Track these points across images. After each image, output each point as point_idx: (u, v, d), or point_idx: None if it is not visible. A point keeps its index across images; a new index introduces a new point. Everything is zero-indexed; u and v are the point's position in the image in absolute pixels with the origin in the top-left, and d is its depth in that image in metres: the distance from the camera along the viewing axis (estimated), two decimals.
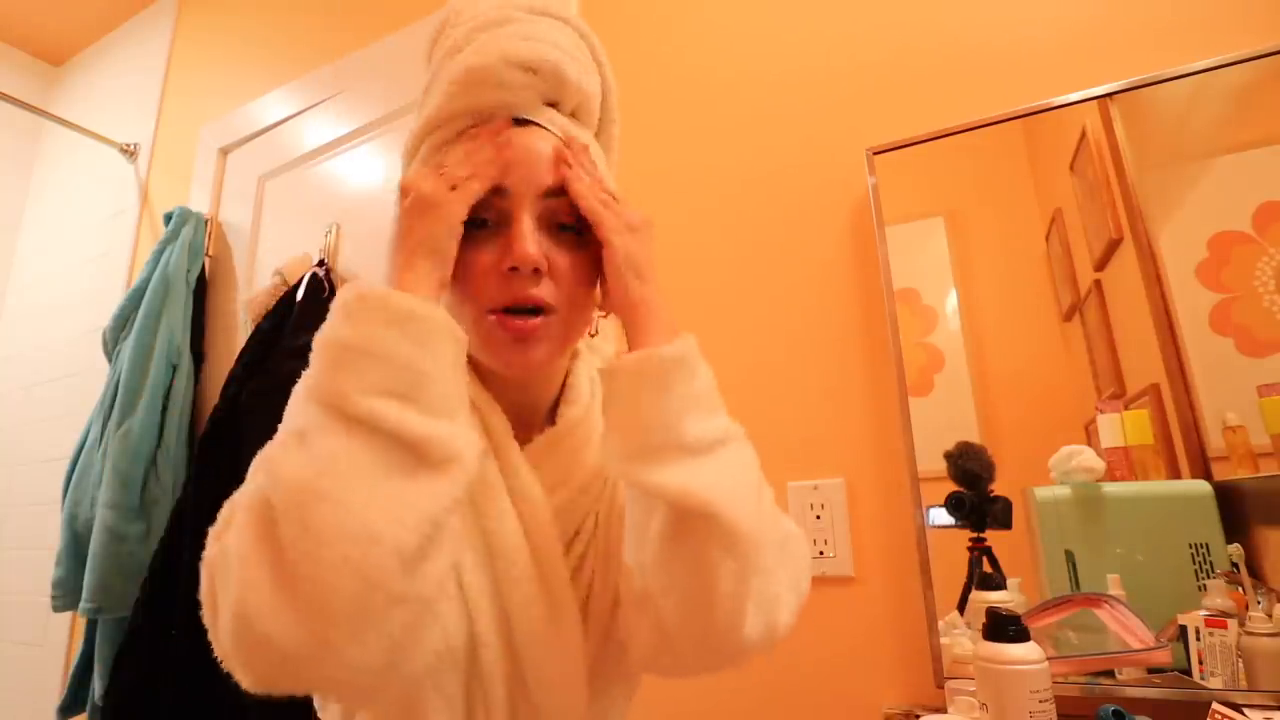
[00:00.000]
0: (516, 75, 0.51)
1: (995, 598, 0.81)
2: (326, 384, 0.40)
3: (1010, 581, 0.86)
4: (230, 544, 0.38)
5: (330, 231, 1.56)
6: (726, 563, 0.42)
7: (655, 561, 0.44)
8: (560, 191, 0.51)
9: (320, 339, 0.42)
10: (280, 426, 0.42)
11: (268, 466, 0.39)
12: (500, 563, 0.49)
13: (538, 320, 0.49)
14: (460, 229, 0.47)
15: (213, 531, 0.42)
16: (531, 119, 0.52)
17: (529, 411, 0.56)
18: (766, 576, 0.44)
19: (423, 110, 0.56)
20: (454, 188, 0.47)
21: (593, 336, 0.59)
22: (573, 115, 0.56)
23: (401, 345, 0.41)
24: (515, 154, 0.50)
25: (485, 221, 0.50)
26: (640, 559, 0.46)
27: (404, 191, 0.48)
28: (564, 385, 0.58)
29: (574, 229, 0.52)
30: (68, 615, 1.75)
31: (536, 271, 0.49)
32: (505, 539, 0.50)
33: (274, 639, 0.35)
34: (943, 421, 0.93)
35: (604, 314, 0.56)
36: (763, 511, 0.45)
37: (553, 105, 0.54)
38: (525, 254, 0.48)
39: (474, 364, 0.53)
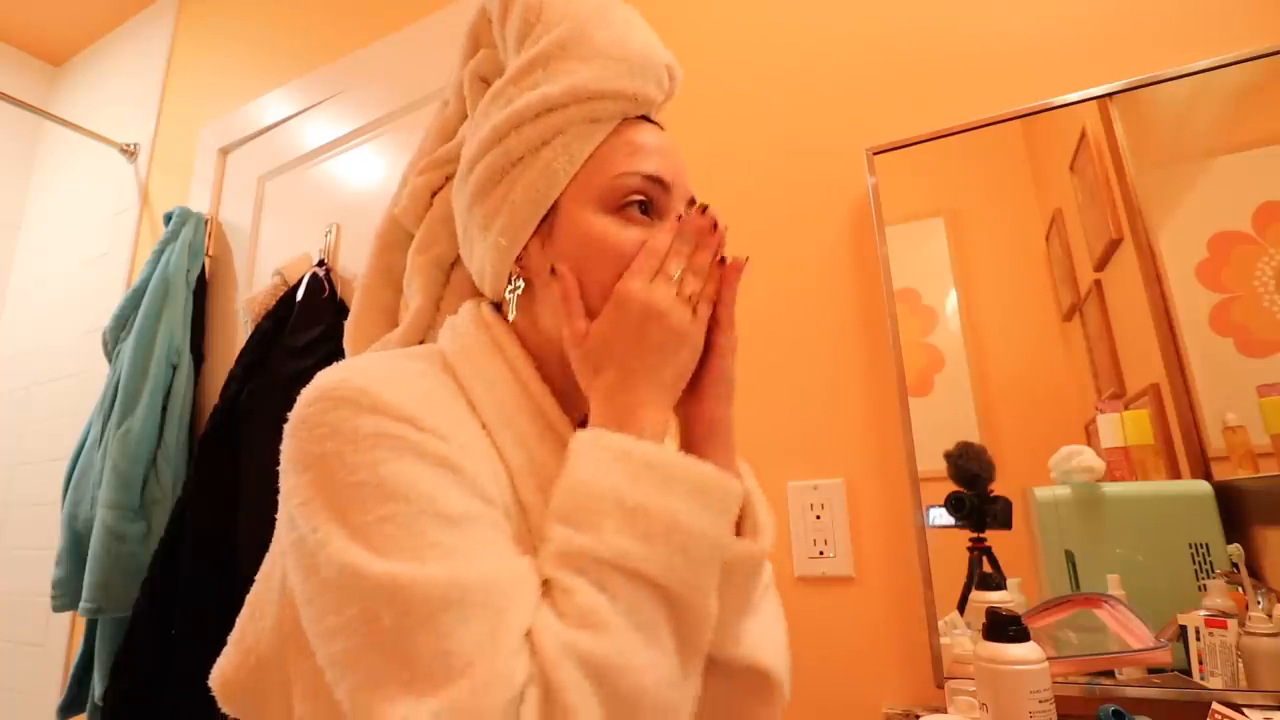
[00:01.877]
0: (666, 78, 0.52)
1: (995, 598, 0.81)
2: (693, 581, 0.38)
3: (1010, 581, 0.85)
4: None
5: (330, 231, 1.56)
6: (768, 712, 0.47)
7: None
8: (694, 202, 0.50)
9: (683, 525, 0.39)
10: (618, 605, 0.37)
11: (627, 673, 0.35)
12: None
13: None
14: (696, 360, 0.47)
15: (483, 693, 0.34)
16: (659, 123, 0.53)
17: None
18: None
19: (551, 70, 0.50)
20: (691, 300, 0.46)
21: None
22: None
23: (725, 534, 0.41)
24: (669, 153, 0.50)
25: (646, 204, 0.49)
26: None
27: (649, 308, 0.44)
28: None
29: None
30: (68, 615, 1.75)
31: None
32: None
33: None
34: (943, 421, 0.93)
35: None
36: (787, 653, 0.51)
37: None
38: None
39: (546, 366, 0.50)
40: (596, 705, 0.34)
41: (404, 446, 0.39)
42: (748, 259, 0.51)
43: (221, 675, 0.46)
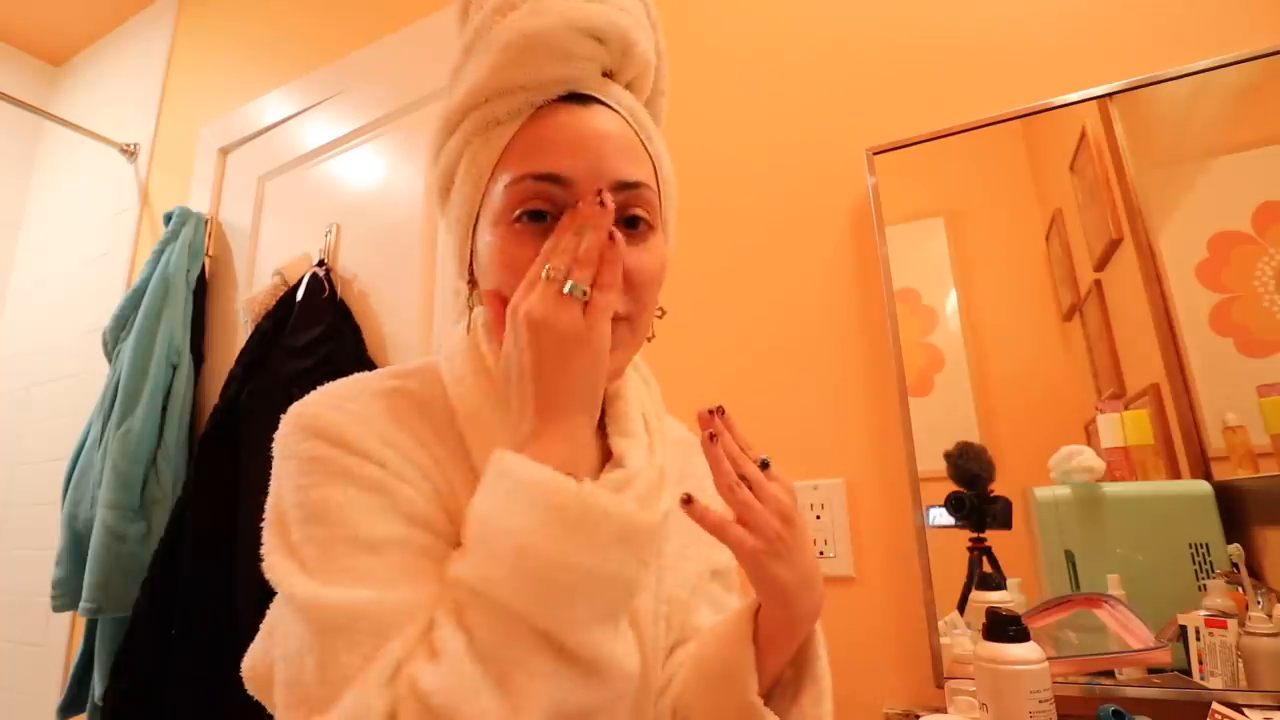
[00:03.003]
0: (583, 44, 0.44)
1: (995, 598, 0.81)
2: (545, 613, 0.34)
3: (1010, 581, 0.85)
4: None
5: (330, 231, 1.56)
6: None
7: None
8: (632, 185, 0.45)
9: (536, 553, 0.34)
10: (455, 638, 0.35)
11: (450, 706, 0.33)
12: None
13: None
14: (606, 357, 0.41)
15: None
16: (595, 96, 0.46)
17: None
18: None
19: (460, 79, 0.47)
20: (586, 303, 0.40)
21: (650, 340, 0.51)
22: (628, 86, 0.50)
23: (628, 565, 0.36)
24: (573, 138, 0.44)
25: (543, 215, 0.44)
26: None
27: (530, 323, 0.40)
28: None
29: (644, 220, 0.46)
30: (68, 615, 1.75)
31: None
32: None
33: None
34: (943, 421, 0.93)
35: (660, 314, 0.50)
36: None
37: (608, 74, 0.48)
38: None
39: None
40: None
41: (335, 470, 0.40)
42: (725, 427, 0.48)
43: (249, 662, 0.47)
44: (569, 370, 0.40)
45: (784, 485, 0.46)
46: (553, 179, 0.43)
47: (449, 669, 0.34)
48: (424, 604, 0.38)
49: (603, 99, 0.46)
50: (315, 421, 0.42)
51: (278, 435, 0.43)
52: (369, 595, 0.37)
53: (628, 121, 0.47)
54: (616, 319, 0.43)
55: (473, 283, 0.51)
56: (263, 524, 0.42)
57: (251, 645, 0.48)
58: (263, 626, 0.48)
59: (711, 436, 0.44)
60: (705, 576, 0.57)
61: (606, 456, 0.46)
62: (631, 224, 0.45)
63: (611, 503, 0.36)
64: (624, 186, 0.44)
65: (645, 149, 0.48)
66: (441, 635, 0.35)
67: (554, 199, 0.44)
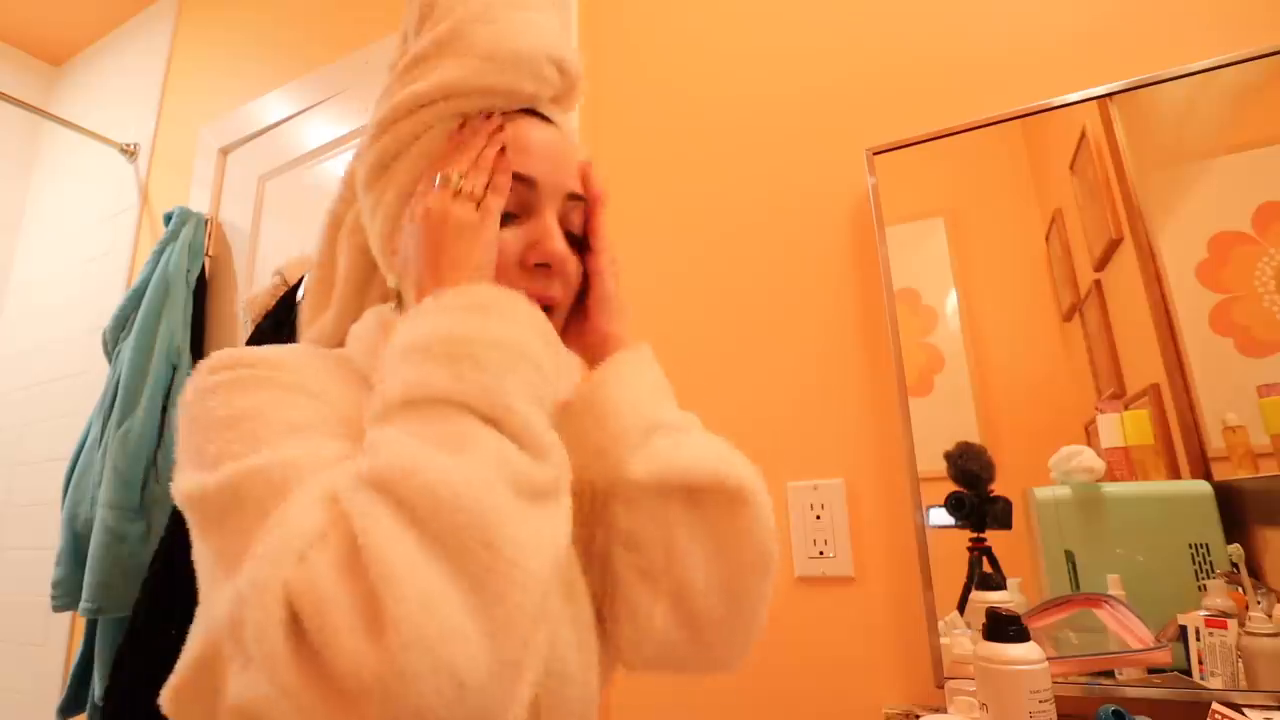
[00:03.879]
0: (551, 72, 0.51)
1: (995, 598, 0.81)
2: (492, 386, 0.36)
3: (1010, 581, 0.85)
4: (341, 559, 0.30)
5: None
6: (756, 531, 0.45)
7: (685, 556, 0.45)
8: (576, 197, 0.52)
9: (464, 338, 0.37)
10: (396, 423, 0.35)
11: (414, 474, 0.32)
12: None
13: (549, 316, 0.49)
14: (495, 247, 0.46)
15: (275, 550, 0.31)
16: (548, 117, 0.53)
17: None
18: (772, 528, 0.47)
19: (427, 70, 0.50)
20: (473, 196, 0.46)
21: None
22: (554, 100, 0.56)
23: (546, 353, 0.40)
24: (545, 150, 0.50)
25: (510, 216, 0.49)
26: (669, 566, 0.45)
27: (428, 217, 0.46)
28: None
29: (578, 238, 0.53)
30: (68, 615, 1.75)
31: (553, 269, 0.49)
32: None
33: (460, 668, 0.29)
34: (943, 421, 0.93)
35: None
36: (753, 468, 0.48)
37: (555, 99, 0.55)
38: (557, 252, 0.49)
39: None
40: (389, 518, 0.31)
41: (260, 380, 0.41)
42: (606, 192, 0.54)
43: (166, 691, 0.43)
44: (461, 248, 0.44)
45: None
46: (524, 180, 0.49)
47: (391, 448, 0.33)
48: (348, 453, 0.37)
49: (555, 121, 0.53)
50: (229, 356, 0.42)
51: (184, 392, 0.42)
52: (293, 451, 0.36)
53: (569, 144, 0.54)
54: (553, 306, 0.50)
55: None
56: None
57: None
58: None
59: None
60: None
61: None
62: (570, 237, 0.52)
63: (519, 297, 0.41)
64: (574, 198, 0.52)
65: None
66: (372, 438, 0.35)
67: (522, 198, 0.49)
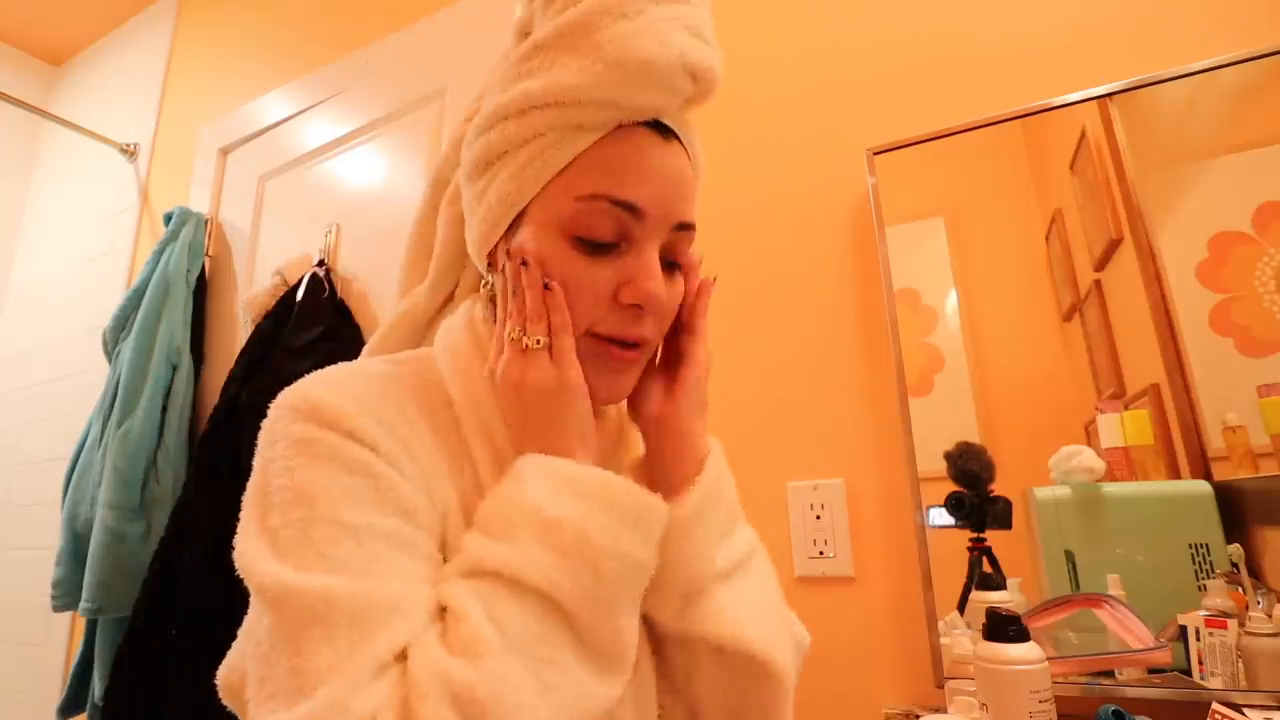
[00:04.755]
0: (685, 81, 0.45)
1: (995, 598, 0.81)
2: (586, 602, 0.37)
3: (1010, 581, 0.85)
4: None
5: (330, 231, 1.56)
6: (772, 701, 0.46)
7: (703, 689, 0.46)
8: (685, 226, 0.48)
9: (587, 541, 0.38)
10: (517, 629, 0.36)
11: (493, 710, 0.33)
12: None
13: (637, 353, 0.47)
14: (589, 410, 0.45)
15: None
16: (675, 131, 0.47)
17: None
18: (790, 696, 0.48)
19: (544, 68, 0.45)
20: (549, 349, 0.44)
21: None
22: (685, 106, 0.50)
23: (655, 557, 0.41)
24: (656, 175, 0.45)
25: (612, 246, 0.45)
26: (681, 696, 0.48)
27: (506, 383, 0.44)
28: None
29: (678, 266, 0.49)
30: (68, 615, 1.75)
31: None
32: None
33: None
34: (943, 421, 0.93)
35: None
36: (784, 633, 0.48)
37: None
38: (657, 297, 0.45)
39: None
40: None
41: (322, 452, 0.39)
42: (715, 279, 0.52)
43: (224, 670, 0.47)
44: (554, 416, 0.44)
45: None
46: (629, 208, 0.44)
47: (490, 663, 0.34)
48: (409, 598, 0.37)
49: (680, 137, 0.48)
50: (306, 403, 0.41)
51: (267, 419, 0.42)
52: (347, 584, 0.35)
53: (693, 162, 0.49)
54: (642, 344, 0.47)
55: (492, 266, 0.50)
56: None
57: (228, 654, 0.47)
58: (240, 633, 0.47)
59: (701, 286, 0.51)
60: None
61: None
62: (673, 266, 0.49)
63: (657, 500, 0.41)
64: (682, 227, 0.47)
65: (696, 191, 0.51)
66: (472, 627, 0.35)
67: (625, 227, 0.45)
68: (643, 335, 0.47)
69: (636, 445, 0.53)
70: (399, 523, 0.39)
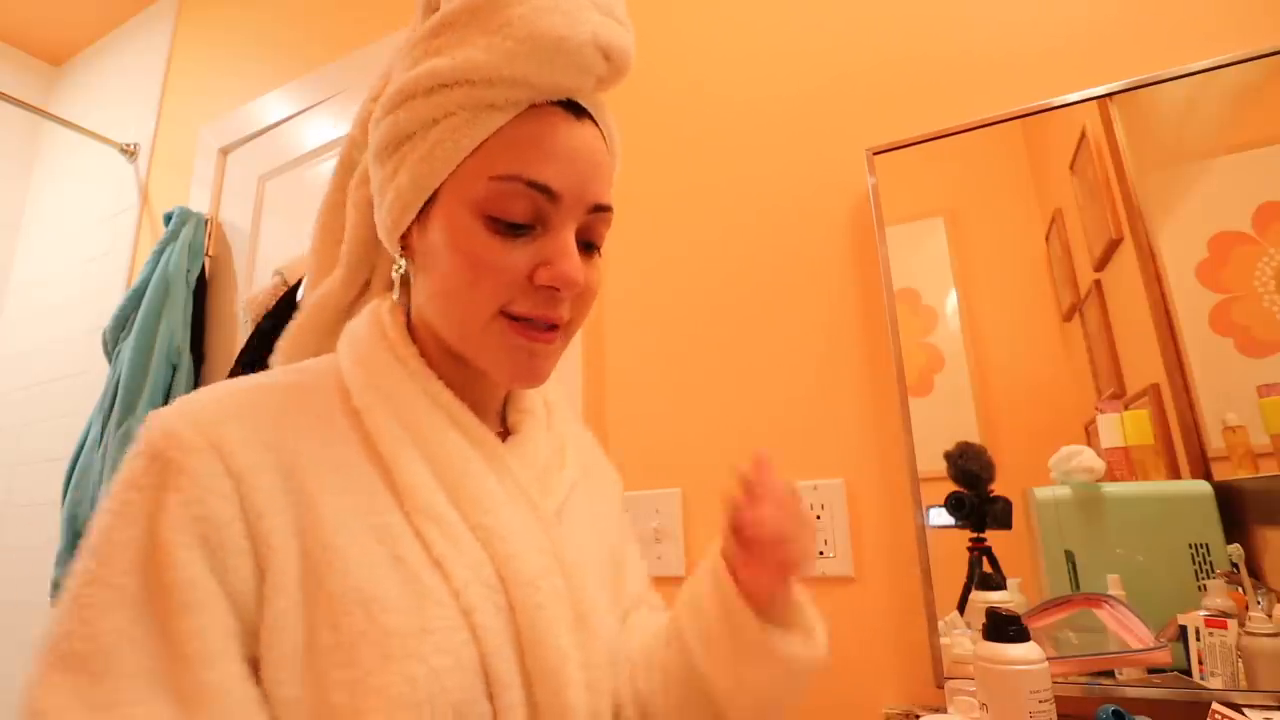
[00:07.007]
0: (598, 62, 0.44)
1: (995, 598, 0.81)
2: None
3: (1010, 581, 0.85)
4: None
5: None
6: None
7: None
8: (602, 208, 0.46)
9: None
10: None
11: None
12: (522, 590, 0.43)
13: (554, 334, 0.46)
14: None
15: None
16: (588, 111, 0.46)
17: (483, 412, 0.51)
18: None
19: (454, 46, 0.44)
20: None
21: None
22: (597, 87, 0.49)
23: None
24: (571, 156, 0.44)
25: (527, 228, 0.44)
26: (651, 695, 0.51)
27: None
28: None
29: (596, 248, 0.48)
30: None
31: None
32: (527, 561, 0.43)
33: None
34: (943, 421, 0.93)
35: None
36: None
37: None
38: (573, 279, 0.44)
39: (434, 356, 0.49)
40: None
41: (142, 510, 0.40)
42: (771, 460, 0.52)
43: None
44: None
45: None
46: (544, 190, 0.43)
47: None
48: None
49: (594, 117, 0.47)
50: (164, 439, 0.39)
51: (124, 461, 0.40)
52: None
53: (608, 144, 0.48)
54: (561, 326, 0.46)
55: (405, 250, 0.49)
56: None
57: None
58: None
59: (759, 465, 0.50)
60: (607, 569, 0.57)
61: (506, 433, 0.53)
62: (591, 246, 0.48)
63: None
64: (598, 209, 0.46)
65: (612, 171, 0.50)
66: None
67: (540, 209, 0.44)
68: (561, 317, 0.46)
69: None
70: (204, 598, 0.38)
